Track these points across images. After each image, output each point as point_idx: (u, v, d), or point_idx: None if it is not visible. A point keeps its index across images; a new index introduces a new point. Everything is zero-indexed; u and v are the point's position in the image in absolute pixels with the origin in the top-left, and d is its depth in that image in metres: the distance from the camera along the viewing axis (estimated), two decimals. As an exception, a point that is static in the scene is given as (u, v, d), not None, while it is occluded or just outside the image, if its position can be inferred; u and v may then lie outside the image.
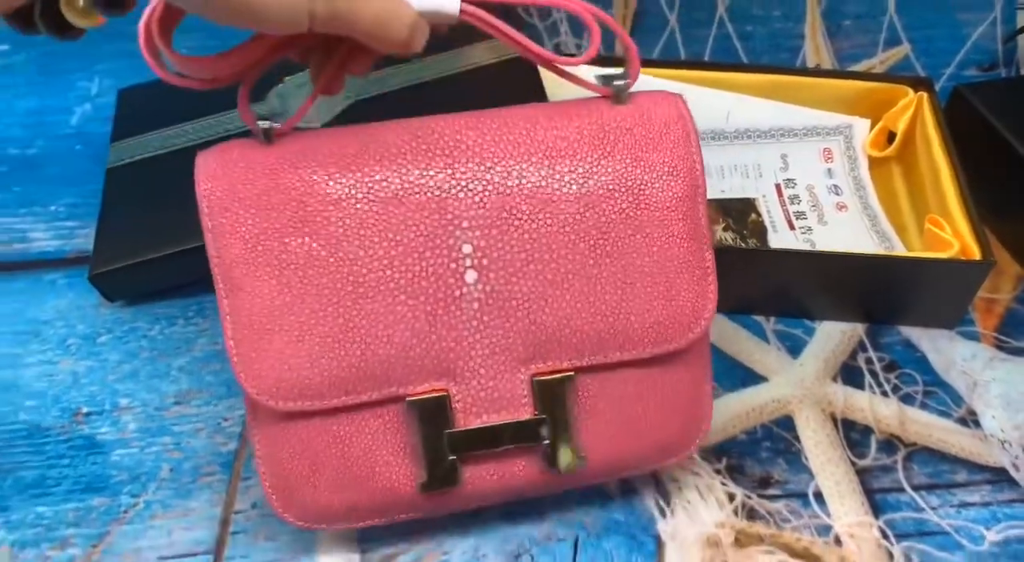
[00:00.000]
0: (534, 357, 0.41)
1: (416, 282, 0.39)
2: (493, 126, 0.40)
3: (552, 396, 0.41)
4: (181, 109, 0.61)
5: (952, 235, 0.55)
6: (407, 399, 0.40)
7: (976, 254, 0.53)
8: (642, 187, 0.41)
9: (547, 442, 0.42)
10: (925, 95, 0.63)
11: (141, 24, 0.34)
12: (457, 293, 0.40)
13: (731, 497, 0.50)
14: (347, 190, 0.39)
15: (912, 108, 0.63)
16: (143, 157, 0.60)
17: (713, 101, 0.64)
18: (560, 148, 0.40)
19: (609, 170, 0.40)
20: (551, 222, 0.40)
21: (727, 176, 0.64)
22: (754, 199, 0.62)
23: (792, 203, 0.63)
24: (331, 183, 0.39)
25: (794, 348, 0.57)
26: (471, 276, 0.40)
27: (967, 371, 0.56)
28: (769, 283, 0.56)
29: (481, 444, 0.41)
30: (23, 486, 0.49)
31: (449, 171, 0.39)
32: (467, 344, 0.40)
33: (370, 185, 0.39)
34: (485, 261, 0.40)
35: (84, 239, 0.61)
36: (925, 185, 0.60)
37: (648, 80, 0.63)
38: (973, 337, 0.57)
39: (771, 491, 0.50)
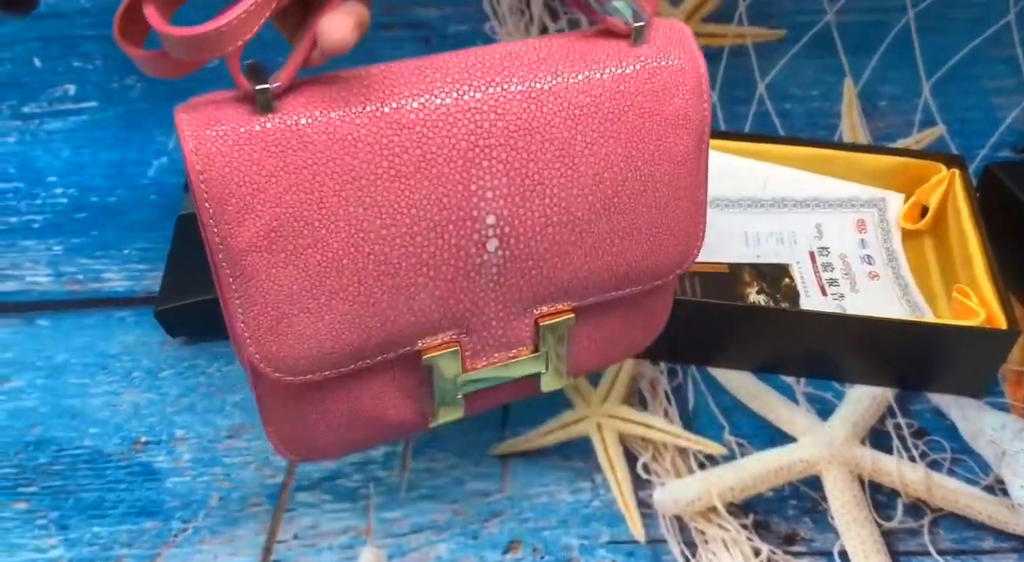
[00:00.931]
0: (540, 304, 0.42)
1: (439, 255, 0.38)
2: (518, 88, 0.38)
3: (554, 335, 0.43)
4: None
5: (979, 305, 0.56)
6: (423, 358, 0.41)
7: (1002, 323, 0.55)
8: (657, 142, 0.41)
9: (543, 372, 0.45)
10: (957, 172, 0.65)
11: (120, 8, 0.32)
12: (478, 261, 0.39)
13: (756, 552, 0.51)
14: (365, 165, 0.36)
15: (944, 184, 0.65)
16: (212, 207, 0.65)
17: (751, 170, 0.67)
18: (583, 105, 0.39)
19: (627, 127, 0.40)
20: (571, 186, 0.39)
21: (762, 242, 0.66)
22: (788, 265, 0.65)
23: (825, 270, 0.65)
24: (347, 158, 0.35)
25: (824, 410, 0.58)
26: (492, 245, 0.39)
27: (995, 441, 0.56)
28: (800, 344, 0.58)
29: (486, 384, 0.44)
30: (83, 507, 0.52)
31: (472, 138, 0.37)
32: (482, 303, 0.41)
33: (390, 159, 0.36)
34: (507, 229, 0.39)
35: (153, 281, 0.66)
36: (955, 257, 0.62)
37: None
38: (1003, 408, 0.58)
39: (796, 548, 0.51)
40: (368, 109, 0.36)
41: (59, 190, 0.72)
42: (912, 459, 0.55)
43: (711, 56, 0.71)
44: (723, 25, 0.70)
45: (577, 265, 0.42)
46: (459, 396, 0.43)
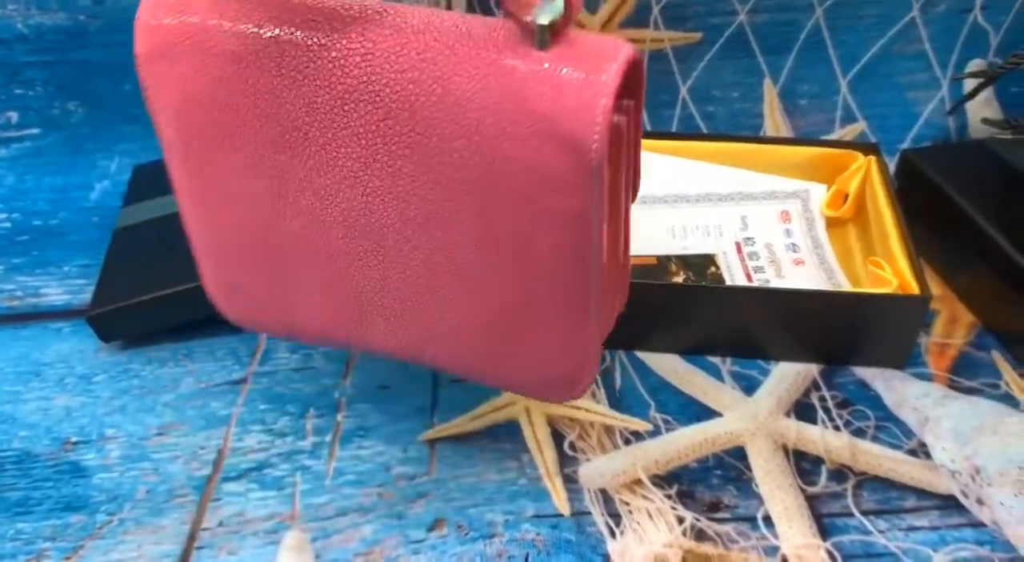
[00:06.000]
0: None
1: None
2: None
3: None
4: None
5: (892, 274, 0.58)
6: None
7: (915, 290, 0.56)
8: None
9: None
10: (873, 159, 0.67)
11: None
12: None
13: (680, 520, 0.51)
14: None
15: (862, 171, 0.67)
16: (145, 219, 0.66)
17: (675, 167, 0.69)
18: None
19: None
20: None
21: (689, 235, 0.68)
22: (714, 254, 0.66)
23: (751, 259, 0.66)
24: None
25: (749, 388, 0.59)
26: None
27: (918, 407, 0.57)
28: (725, 324, 0.59)
29: None
30: (7, 505, 0.52)
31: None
32: None
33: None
34: None
35: (91, 294, 0.67)
36: (875, 239, 0.64)
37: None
38: (926, 378, 0.59)
39: (720, 514, 0.51)
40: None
41: (3, 215, 0.73)
42: (836, 428, 0.56)
43: (633, 61, 0.74)
44: (640, 30, 0.72)
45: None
46: None
